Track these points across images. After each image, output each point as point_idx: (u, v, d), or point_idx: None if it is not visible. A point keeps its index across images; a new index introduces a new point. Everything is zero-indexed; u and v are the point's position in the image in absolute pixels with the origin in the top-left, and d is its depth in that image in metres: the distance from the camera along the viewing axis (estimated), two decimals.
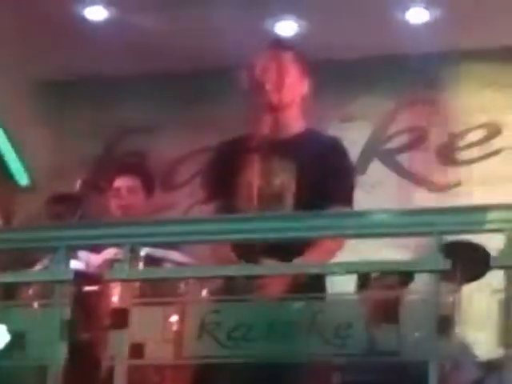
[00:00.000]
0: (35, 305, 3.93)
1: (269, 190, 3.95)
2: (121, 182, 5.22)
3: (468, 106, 7.33)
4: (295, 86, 4.11)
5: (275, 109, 4.05)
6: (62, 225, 4.33)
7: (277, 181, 3.97)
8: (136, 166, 5.68)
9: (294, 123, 4.12)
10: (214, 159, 4.28)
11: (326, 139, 4.19)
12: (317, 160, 4.00)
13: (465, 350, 4.85)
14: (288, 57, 4.13)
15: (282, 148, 3.99)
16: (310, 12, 6.95)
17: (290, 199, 3.95)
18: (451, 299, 3.12)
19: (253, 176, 3.95)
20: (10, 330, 3.46)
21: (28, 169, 7.87)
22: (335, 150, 4.11)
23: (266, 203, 3.92)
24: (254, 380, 3.50)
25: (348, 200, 4.01)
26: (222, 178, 4.08)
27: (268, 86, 4.04)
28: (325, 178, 3.97)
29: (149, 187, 5.28)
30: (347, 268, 3.61)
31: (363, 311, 3.13)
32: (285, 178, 3.97)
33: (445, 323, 3.04)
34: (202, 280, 3.96)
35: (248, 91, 4.09)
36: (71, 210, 5.39)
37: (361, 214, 3.50)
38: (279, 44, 4.27)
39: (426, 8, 6.88)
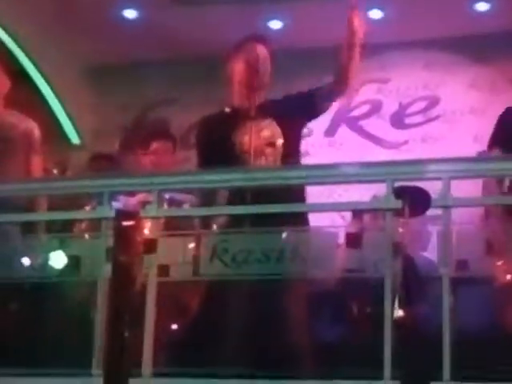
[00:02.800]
0: (86, 236, 3.93)
1: (262, 142, 3.95)
2: (159, 145, 5.21)
3: (412, 82, 7.30)
4: (269, 72, 4.11)
5: (260, 87, 4.05)
6: (105, 175, 4.32)
7: (266, 133, 3.97)
8: (168, 132, 5.67)
9: (264, 96, 4.11)
10: (204, 130, 4.22)
11: (287, 96, 4.18)
12: (287, 109, 4.03)
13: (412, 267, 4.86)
14: (268, 49, 4.13)
15: (260, 112, 3.98)
16: (291, 12, 6.91)
17: (280, 144, 3.97)
18: (401, 230, 3.10)
19: (241, 136, 3.95)
20: (68, 255, 3.46)
21: (79, 131, 7.85)
22: (296, 93, 4.14)
23: (259, 152, 3.93)
24: (251, 292, 3.51)
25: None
26: (214, 144, 4.03)
27: (261, 70, 4.04)
28: (296, 106, 4.02)
29: (174, 146, 5.30)
30: (325, 207, 3.62)
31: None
32: (271, 130, 3.98)
33: (397, 248, 3.04)
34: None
35: (240, 73, 4.06)
36: (108, 165, 5.40)
37: (333, 166, 3.49)
38: (262, 38, 4.22)
39: (382, 8, 6.82)
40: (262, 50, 4.08)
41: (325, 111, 4.16)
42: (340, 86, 4.11)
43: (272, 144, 3.96)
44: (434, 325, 3.06)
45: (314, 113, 4.11)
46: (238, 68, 4.09)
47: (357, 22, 4.02)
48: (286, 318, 3.65)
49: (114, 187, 3.61)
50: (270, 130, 3.98)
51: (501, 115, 4.29)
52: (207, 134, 4.14)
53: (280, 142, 3.98)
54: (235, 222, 3.66)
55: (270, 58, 4.11)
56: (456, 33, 6.85)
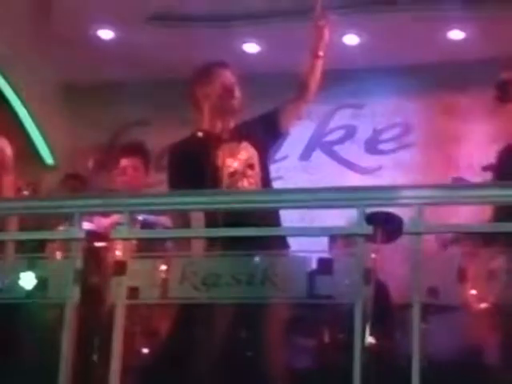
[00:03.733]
0: (58, 256, 3.88)
1: (242, 165, 3.95)
2: (127, 162, 5.06)
3: (387, 108, 7.32)
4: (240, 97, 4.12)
5: (235, 111, 4.05)
6: (76, 196, 4.27)
7: (244, 156, 3.97)
8: (138, 148, 5.44)
9: (235, 120, 4.10)
10: (179, 155, 4.15)
11: (254, 118, 4.17)
12: (255, 130, 4.04)
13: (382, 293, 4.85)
14: (235, 75, 4.14)
15: (233, 135, 3.98)
16: (268, 36, 6.93)
17: (257, 165, 3.97)
18: (373, 256, 3.09)
19: (222, 159, 3.93)
20: (36, 276, 3.41)
21: (52, 152, 7.80)
22: (260, 114, 4.15)
23: (241, 174, 3.93)
24: (221, 316, 3.49)
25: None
26: (193, 169, 3.97)
27: (236, 94, 4.04)
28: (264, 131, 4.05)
29: (147, 165, 5.16)
30: (297, 231, 3.60)
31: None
32: (249, 153, 3.98)
33: (367, 273, 3.02)
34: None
35: (216, 98, 4.05)
36: (81, 185, 5.30)
37: (304, 191, 3.47)
38: (228, 64, 4.23)
39: (358, 34, 6.85)
40: (232, 76, 4.09)
41: (288, 127, 4.16)
42: (300, 96, 4.13)
43: (252, 166, 3.97)
44: (404, 351, 3.04)
45: (277, 130, 4.12)
46: (212, 92, 4.07)
47: (322, 32, 4.04)
48: (256, 342, 3.62)
49: (84, 208, 3.56)
50: (247, 152, 3.99)
51: (500, 151, 4.30)
52: (183, 159, 4.09)
53: (258, 163, 3.98)
54: (211, 244, 3.63)
55: (239, 84, 4.12)
56: (431, 60, 6.89)
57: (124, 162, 5.06)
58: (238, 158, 3.96)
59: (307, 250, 3.27)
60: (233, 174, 3.93)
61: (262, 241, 3.32)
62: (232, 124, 4.05)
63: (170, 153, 4.19)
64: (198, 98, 4.10)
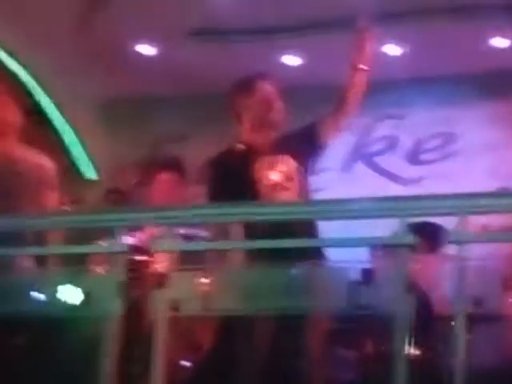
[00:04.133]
0: (100, 270, 3.90)
1: (281, 177, 3.96)
2: (164, 177, 5.14)
3: (429, 118, 7.27)
4: (282, 109, 4.10)
5: (275, 124, 4.05)
6: (117, 210, 4.30)
7: (284, 168, 3.98)
8: (175, 164, 5.50)
9: (276, 133, 4.10)
10: (220, 166, 4.15)
11: (295, 130, 4.18)
12: (296, 143, 4.04)
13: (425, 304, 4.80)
14: (276, 87, 4.12)
15: (274, 147, 3.98)
16: (309, 49, 6.93)
17: (296, 178, 3.96)
18: (415, 266, 3.06)
19: (261, 171, 3.95)
20: (79, 290, 3.44)
21: (96, 167, 7.88)
22: (301, 127, 4.15)
23: (281, 186, 3.93)
24: (262, 328, 3.48)
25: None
26: (233, 180, 3.99)
27: (276, 106, 4.05)
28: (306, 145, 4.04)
29: (185, 179, 5.19)
30: (336, 242, 3.58)
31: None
32: (288, 166, 3.98)
33: (409, 284, 3.00)
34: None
35: (255, 110, 4.05)
36: (122, 199, 5.34)
37: (347, 201, 3.45)
38: (270, 76, 4.23)
39: (399, 44, 6.82)
40: (273, 88, 4.10)
41: (328, 140, 4.15)
42: (339, 109, 4.11)
43: (291, 178, 3.97)
44: (448, 363, 3.00)
45: (317, 143, 4.11)
46: (252, 104, 4.08)
47: (364, 44, 4.03)
48: (297, 354, 3.60)
49: (125, 221, 3.58)
50: (286, 165, 3.99)
51: None
52: (223, 171, 4.11)
53: (297, 175, 3.99)
54: (251, 256, 3.63)
55: (280, 96, 4.12)
56: (473, 69, 6.84)
57: (162, 176, 5.10)
58: (277, 171, 3.97)
59: (346, 260, 3.25)
60: (272, 187, 3.94)
61: (300, 252, 3.31)
62: (272, 136, 4.05)
63: (209, 165, 4.21)
64: (238, 110, 4.11)
